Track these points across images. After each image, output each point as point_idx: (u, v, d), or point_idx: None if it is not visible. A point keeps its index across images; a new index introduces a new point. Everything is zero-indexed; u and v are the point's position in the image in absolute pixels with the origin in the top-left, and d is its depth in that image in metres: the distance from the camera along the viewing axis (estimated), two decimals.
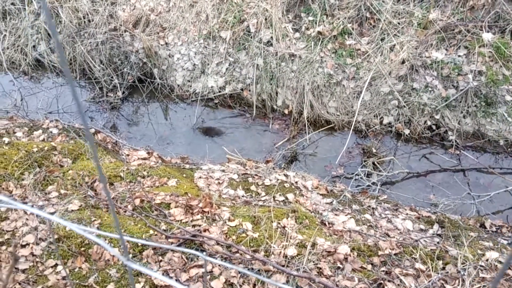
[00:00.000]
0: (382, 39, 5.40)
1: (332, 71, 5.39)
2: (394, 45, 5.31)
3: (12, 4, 6.68)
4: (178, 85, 6.11)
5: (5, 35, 6.62)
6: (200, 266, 3.00)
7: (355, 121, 5.27)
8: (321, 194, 4.23)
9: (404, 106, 5.20)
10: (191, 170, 4.65)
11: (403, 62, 5.22)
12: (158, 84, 6.16)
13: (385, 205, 4.15)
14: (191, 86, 6.08)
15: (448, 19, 5.36)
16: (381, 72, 5.24)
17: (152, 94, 6.21)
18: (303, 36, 5.68)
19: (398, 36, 5.38)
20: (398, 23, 5.43)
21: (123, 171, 4.10)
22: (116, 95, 6.08)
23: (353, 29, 5.52)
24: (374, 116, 5.31)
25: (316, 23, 5.63)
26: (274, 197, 4.01)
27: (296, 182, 4.42)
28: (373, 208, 4.02)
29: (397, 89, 5.20)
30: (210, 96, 5.96)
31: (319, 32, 5.56)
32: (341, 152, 5.06)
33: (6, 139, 4.21)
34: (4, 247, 3.07)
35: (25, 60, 6.45)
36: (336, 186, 4.53)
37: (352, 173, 4.84)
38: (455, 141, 5.14)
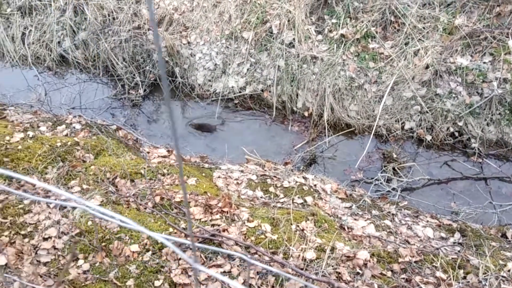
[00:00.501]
0: (406, 43, 5.35)
1: (354, 74, 5.36)
2: (419, 49, 5.25)
3: (39, 0, 6.80)
4: (199, 85, 6.13)
5: (30, 30, 6.73)
6: (219, 266, 3.01)
7: (376, 125, 5.22)
8: (340, 198, 4.21)
9: (427, 112, 5.13)
10: (210, 169, 4.66)
11: (427, 67, 5.16)
12: (179, 83, 6.20)
13: (405, 212, 4.10)
14: (211, 85, 6.10)
15: (474, 25, 5.27)
16: (404, 76, 5.18)
17: (172, 93, 6.25)
18: (326, 39, 5.65)
19: (423, 40, 5.31)
20: (423, 28, 5.37)
21: (144, 168, 4.13)
22: (137, 92, 6.14)
23: (376, 32, 5.47)
24: (396, 121, 5.25)
25: (339, 25, 5.60)
26: (293, 200, 3.99)
27: (315, 185, 4.40)
28: (393, 214, 3.97)
29: (420, 94, 5.14)
30: (230, 96, 5.97)
31: (342, 35, 5.53)
32: (361, 157, 5.02)
33: (30, 133, 4.28)
34: (26, 240, 3.13)
35: (50, 55, 6.56)
36: (355, 191, 4.50)
37: (372, 178, 4.80)
38: (478, 149, 5.06)
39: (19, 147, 3.99)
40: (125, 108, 6.02)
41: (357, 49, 5.47)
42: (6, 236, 3.09)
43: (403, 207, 4.18)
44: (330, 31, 5.66)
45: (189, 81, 6.20)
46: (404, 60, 5.26)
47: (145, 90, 6.19)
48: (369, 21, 5.50)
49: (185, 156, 4.88)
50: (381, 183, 4.69)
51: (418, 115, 5.20)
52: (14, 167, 3.74)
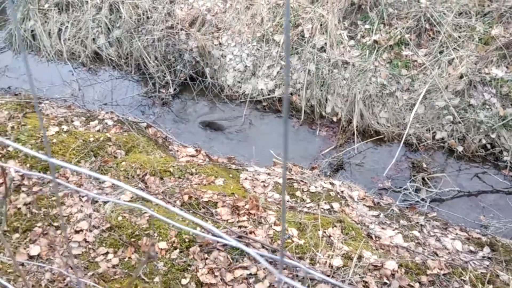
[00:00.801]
0: (440, 52, 5.27)
1: (385, 81, 5.30)
2: (453, 58, 5.17)
3: None
4: (228, 85, 6.17)
5: (67, 26, 6.90)
6: (245, 268, 3.03)
7: (406, 134, 5.16)
8: (367, 206, 4.17)
9: (459, 122, 5.04)
10: (237, 170, 4.69)
11: (461, 77, 5.07)
12: (209, 83, 6.25)
13: (434, 223, 4.04)
14: (240, 87, 6.13)
15: (511, 36, 5.16)
16: (437, 85, 5.11)
17: (202, 93, 6.30)
18: (358, 44, 5.62)
19: (458, 50, 5.22)
20: (459, 37, 5.28)
21: (173, 166, 4.18)
22: (167, 91, 6.22)
23: (410, 39, 5.41)
24: (427, 130, 5.18)
25: (372, 31, 5.56)
26: (319, 205, 3.98)
27: (342, 192, 4.37)
28: (421, 225, 3.92)
29: (453, 104, 5.05)
30: (259, 98, 5.99)
31: (375, 41, 5.49)
32: (389, 165, 4.97)
33: (65, 127, 4.38)
34: (59, 231, 3.21)
35: (85, 51, 6.70)
36: (383, 199, 4.45)
37: (400, 187, 4.74)
38: (510, 162, 4.94)
39: (54, 140, 4.09)
40: (155, 106, 6.11)
41: (389, 56, 5.42)
42: (39, 227, 3.18)
43: (431, 218, 4.12)
44: (363, 36, 5.62)
45: (219, 81, 6.25)
46: (437, 68, 5.18)
47: (175, 89, 6.26)
48: (403, 28, 5.44)
49: (212, 156, 4.91)
50: (409, 192, 4.63)
51: (450, 125, 5.11)
52: None
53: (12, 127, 4.18)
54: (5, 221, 3.12)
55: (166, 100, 6.16)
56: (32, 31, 6.96)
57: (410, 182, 4.76)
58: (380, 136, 5.38)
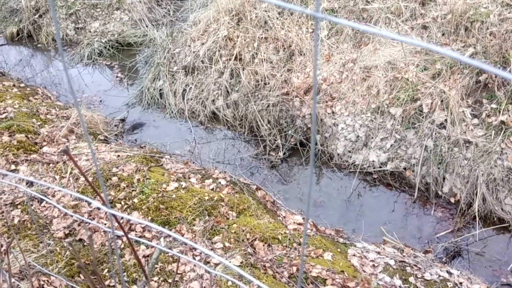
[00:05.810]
0: None
1: None
2: None
3: (202, 62, 7.56)
4: (338, 154, 6.13)
5: (191, 87, 7.47)
6: None
7: None
8: None
9: None
10: (344, 245, 4.53)
11: None
12: (318, 150, 6.27)
13: None
14: (351, 157, 6.05)
15: None
16: None
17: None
18: (483, 124, 5.30)
19: None
20: None
21: (281, 234, 4.17)
22: (277, 154, 6.34)
23: None
24: None
25: (499, 111, 5.22)
26: None
27: (461, 283, 3.99)
28: None
29: None
30: (369, 170, 5.84)
31: (502, 122, 5.14)
32: None
33: (183, 184, 4.63)
34: None
35: (204, 111, 7.16)
36: None
37: None
38: None
39: (173, 196, 4.32)
40: (264, 168, 6.24)
41: None
42: (155, 281, 3.30)
43: None
44: (488, 116, 5.30)
45: (329, 149, 6.24)
46: None
47: (284, 153, 6.37)
48: None
49: (319, 227, 4.82)
50: None
51: None
52: (167, 215, 4.05)
53: (138, 180, 4.51)
54: None
55: (275, 163, 6.27)
56: (160, 90, 7.64)
57: None
58: (504, 225, 4.89)
